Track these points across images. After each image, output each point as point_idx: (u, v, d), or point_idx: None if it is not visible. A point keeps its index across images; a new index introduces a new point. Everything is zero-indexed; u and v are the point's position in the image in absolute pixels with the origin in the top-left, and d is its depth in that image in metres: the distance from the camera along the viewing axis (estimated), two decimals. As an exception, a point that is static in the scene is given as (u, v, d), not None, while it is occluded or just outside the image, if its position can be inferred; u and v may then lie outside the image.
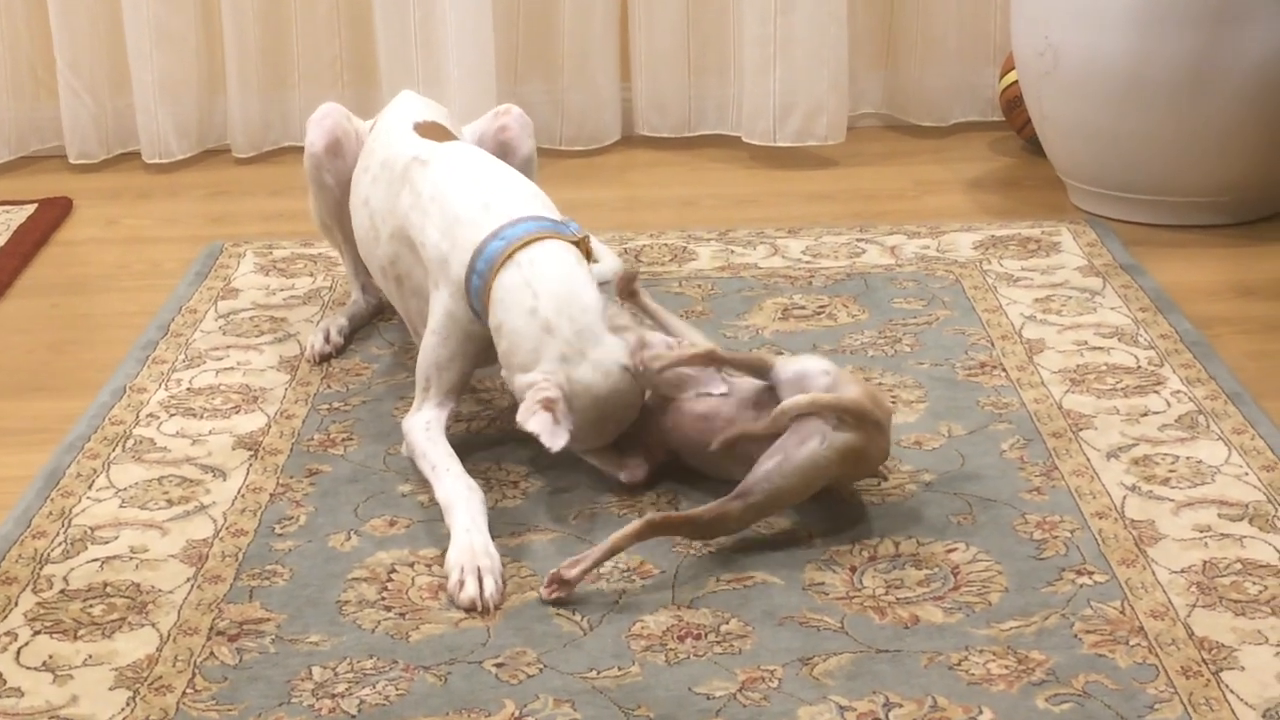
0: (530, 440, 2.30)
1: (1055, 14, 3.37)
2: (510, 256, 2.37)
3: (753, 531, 2.23)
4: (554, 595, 2.11)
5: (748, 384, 2.34)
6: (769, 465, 2.18)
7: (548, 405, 2.26)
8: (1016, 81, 3.70)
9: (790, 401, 2.20)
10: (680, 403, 2.35)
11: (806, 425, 2.19)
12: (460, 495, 2.26)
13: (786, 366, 2.30)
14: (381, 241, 2.62)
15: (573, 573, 2.12)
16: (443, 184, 2.52)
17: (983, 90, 4.15)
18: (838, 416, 2.19)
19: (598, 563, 2.13)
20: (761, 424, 2.22)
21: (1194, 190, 3.37)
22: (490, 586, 2.11)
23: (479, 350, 2.48)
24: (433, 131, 2.70)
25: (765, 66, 3.95)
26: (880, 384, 2.69)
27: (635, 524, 2.15)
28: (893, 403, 2.61)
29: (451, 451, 2.37)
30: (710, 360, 2.33)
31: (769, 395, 2.29)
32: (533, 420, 2.25)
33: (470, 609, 2.09)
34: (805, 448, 2.18)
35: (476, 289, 2.39)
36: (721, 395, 2.32)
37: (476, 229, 2.42)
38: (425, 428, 2.42)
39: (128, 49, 3.99)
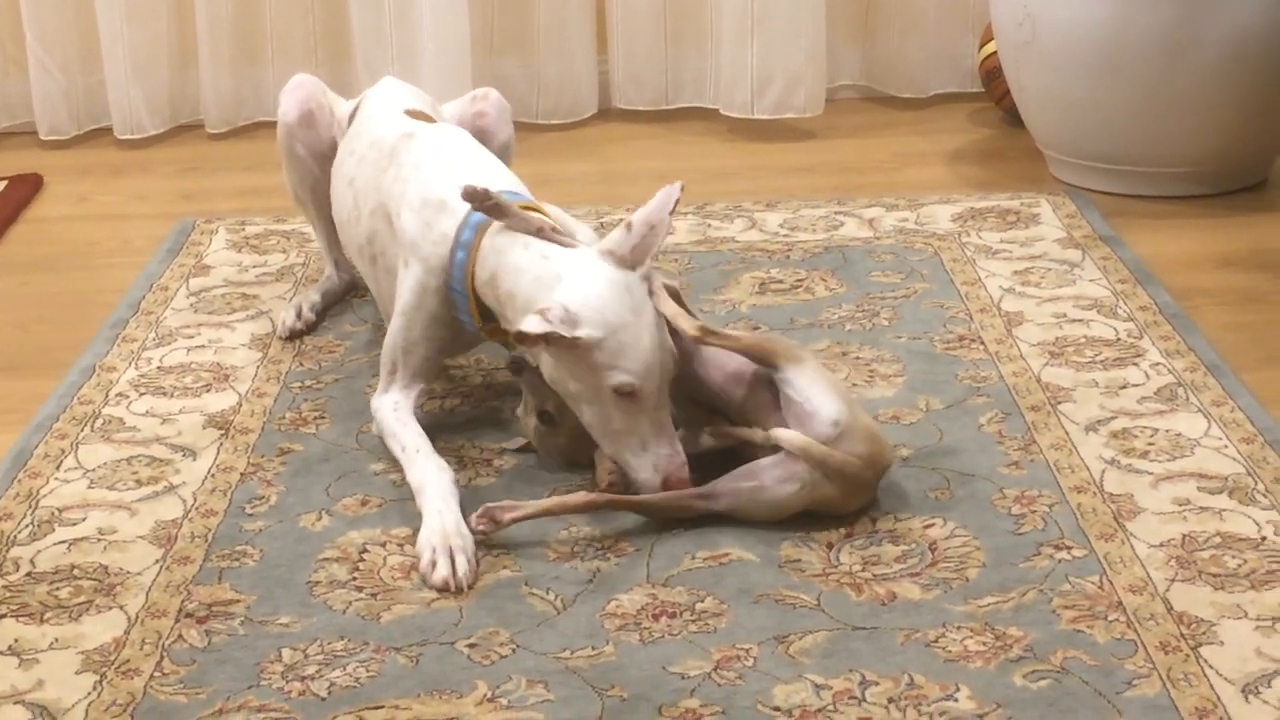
0: (504, 420, 2.28)
1: (1034, -17, 3.35)
2: (485, 230, 2.34)
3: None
4: (479, 528, 2.12)
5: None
6: (743, 485, 2.16)
7: (545, 317, 2.15)
8: (995, 52, 3.68)
9: (786, 438, 2.14)
10: (703, 357, 2.26)
11: (796, 464, 2.14)
12: (431, 476, 2.23)
13: (799, 386, 2.17)
14: (362, 219, 2.58)
15: (505, 516, 2.13)
16: (425, 159, 2.50)
17: (962, 61, 4.13)
18: (824, 473, 2.14)
19: (531, 516, 2.15)
20: (761, 436, 2.17)
21: (1173, 161, 3.34)
22: (463, 566, 2.08)
23: (445, 336, 2.44)
24: (420, 119, 2.68)
25: (743, 39, 3.92)
26: (858, 358, 2.67)
27: (582, 495, 2.16)
28: (869, 378, 2.60)
29: (421, 432, 2.34)
30: (701, 339, 2.22)
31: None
32: (528, 320, 2.13)
33: (443, 589, 2.07)
34: (783, 488, 2.14)
35: (460, 262, 2.36)
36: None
37: (454, 213, 2.38)
38: (394, 408, 2.39)
39: (98, 24, 3.95)
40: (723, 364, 2.26)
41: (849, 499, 2.17)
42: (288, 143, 2.87)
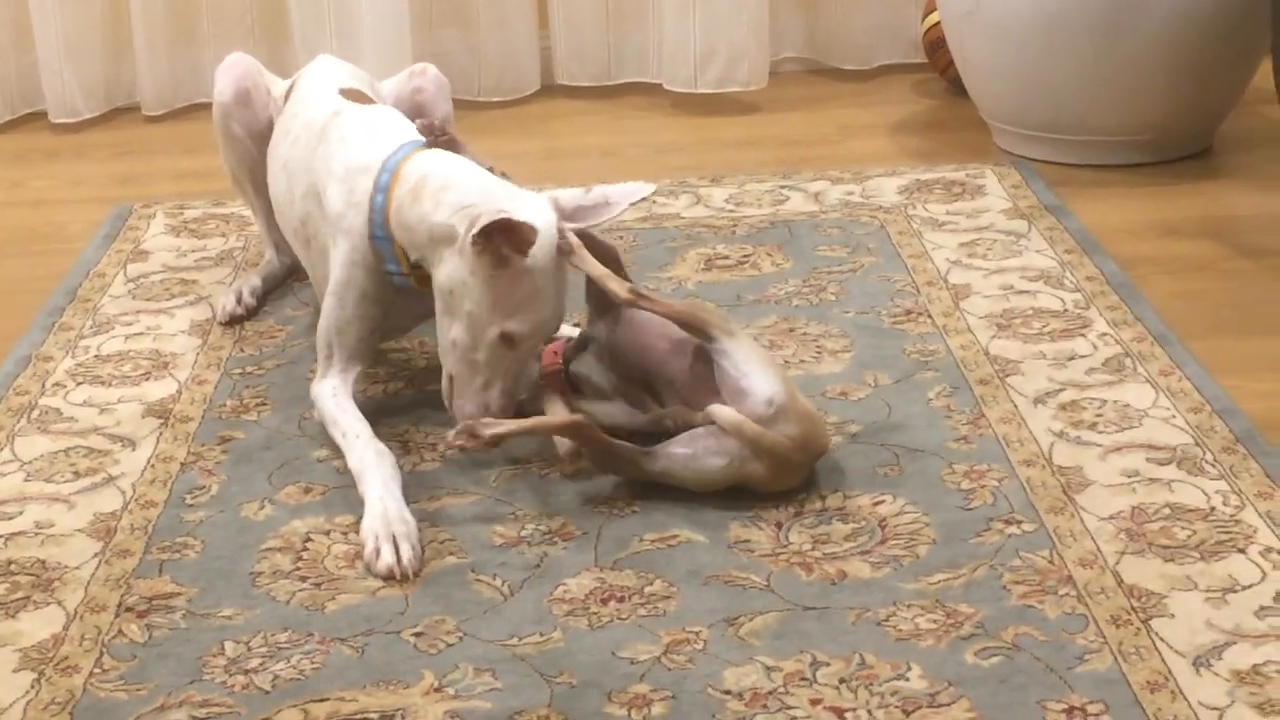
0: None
1: (976, -47, 3.33)
2: (407, 159, 2.35)
3: (675, 490, 2.18)
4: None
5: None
6: (678, 450, 2.15)
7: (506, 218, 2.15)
8: (939, 23, 3.66)
9: (720, 414, 2.12)
10: (646, 324, 2.25)
11: (728, 439, 2.12)
12: (371, 462, 2.20)
13: (735, 360, 2.15)
14: (295, 202, 2.55)
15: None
16: (351, 133, 2.47)
17: (905, 32, 4.11)
18: (754, 451, 2.13)
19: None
20: (699, 416, 2.16)
21: (1116, 129, 3.34)
22: (407, 553, 2.05)
23: (378, 314, 2.41)
24: (356, 98, 2.64)
25: (685, 12, 3.89)
26: (805, 334, 2.65)
27: (566, 417, 2.16)
28: (817, 353, 2.58)
29: (360, 417, 2.31)
30: (632, 302, 2.22)
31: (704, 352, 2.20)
32: (490, 211, 2.15)
33: (388, 577, 2.04)
34: (712, 460, 2.13)
35: (380, 205, 2.33)
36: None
37: (372, 172, 2.37)
38: (332, 394, 2.36)
39: (30, 5, 3.87)
40: (669, 334, 2.23)
41: (777, 479, 2.15)
42: (224, 123, 2.83)
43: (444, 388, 2.29)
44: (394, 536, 2.07)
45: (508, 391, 2.25)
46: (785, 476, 2.15)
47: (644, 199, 2.35)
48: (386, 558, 2.05)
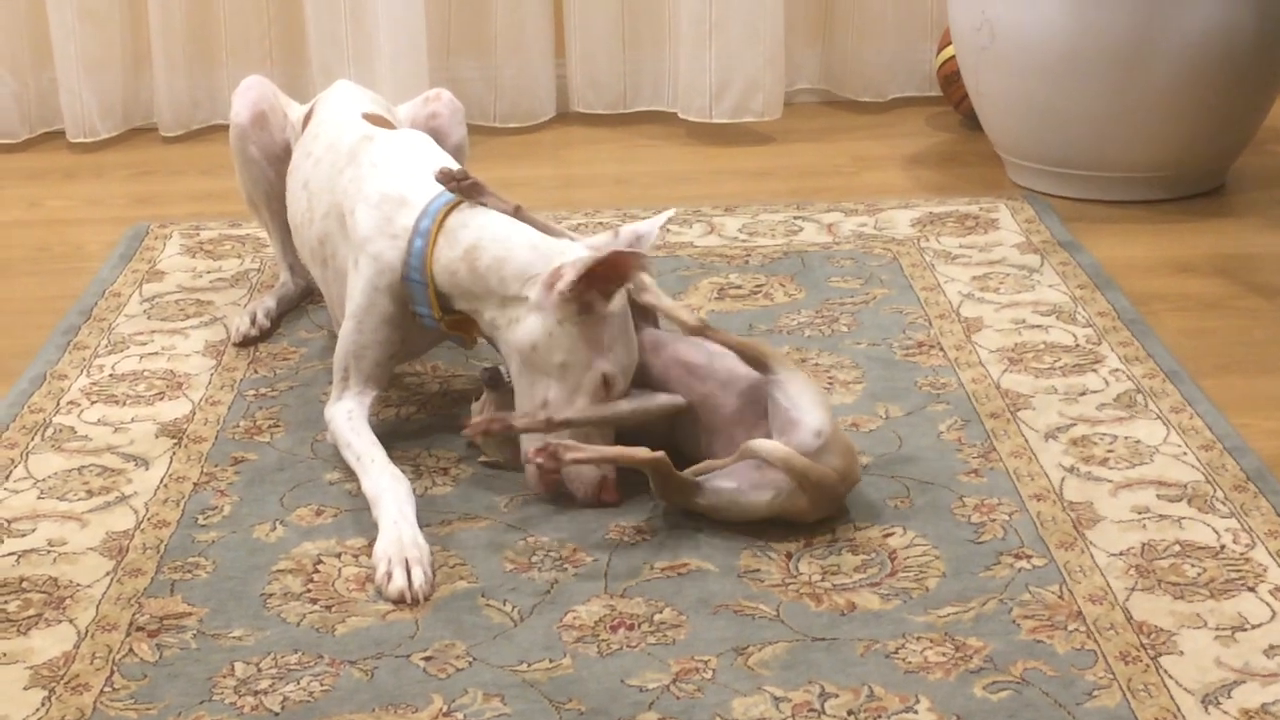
0: (460, 427, 2.26)
1: (992, -12, 3.34)
2: (450, 211, 2.34)
3: (687, 517, 2.19)
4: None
5: (741, 370, 2.26)
6: (723, 485, 2.15)
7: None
8: (954, 56, 3.67)
9: (764, 448, 2.13)
10: (670, 346, 2.29)
11: (772, 473, 2.13)
12: (386, 486, 2.21)
13: (790, 393, 2.17)
14: (315, 221, 2.56)
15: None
16: (385, 159, 2.48)
17: (920, 65, 4.12)
18: (800, 484, 2.13)
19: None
20: (728, 460, 2.17)
21: (1131, 166, 3.35)
22: (419, 578, 2.06)
23: (397, 339, 2.42)
24: (378, 122, 2.66)
25: (701, 42, 3.90)
26: (817, 365, 2.66)
27: (645, 452, 2.14)
28: (828, 384, 2.58)
29: (375, 441, 2.31)
30: (699, 332, 2.26)
31: (758, 391, 2.22)
32: (578, 261, 2.18)
33: (399, 601, 2.04)
34: (758, 494, 2.13)
35: (419, 250, 2.33)
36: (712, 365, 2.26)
37: (410, 207, 2.37)
38: (348, 417, 2.36)
39: (50, 25, 3.90)
40: (682, 354, 2.28)
41: (818, 509, 2.16)
42: (240, 144, 2.85)
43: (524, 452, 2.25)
44: (406, 561, 2.07)
45: (607, 436, 2.25)
46: (825, 507, 2.17)
47: (669, 220, 2.39)
48: (398, 581, 2.05)
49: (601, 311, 2.21)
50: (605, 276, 2.19)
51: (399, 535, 2.11)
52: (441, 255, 2.31)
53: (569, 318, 2.21)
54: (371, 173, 2.45)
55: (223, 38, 4.02)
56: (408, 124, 2.81)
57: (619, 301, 2.23)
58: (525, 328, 2.24)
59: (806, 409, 2.16)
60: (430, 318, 2.37)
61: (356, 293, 2.40)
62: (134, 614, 2.03)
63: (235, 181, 2.94)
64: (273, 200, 2.86)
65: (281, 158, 2.82)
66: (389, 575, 2.06)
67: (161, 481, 2.35)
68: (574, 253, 2.25)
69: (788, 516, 2.15)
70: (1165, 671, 1.86)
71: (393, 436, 2.41)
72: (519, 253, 2.27)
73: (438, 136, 2.77)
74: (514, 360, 2.26)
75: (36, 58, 3.98)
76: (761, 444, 2.14)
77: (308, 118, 2.80)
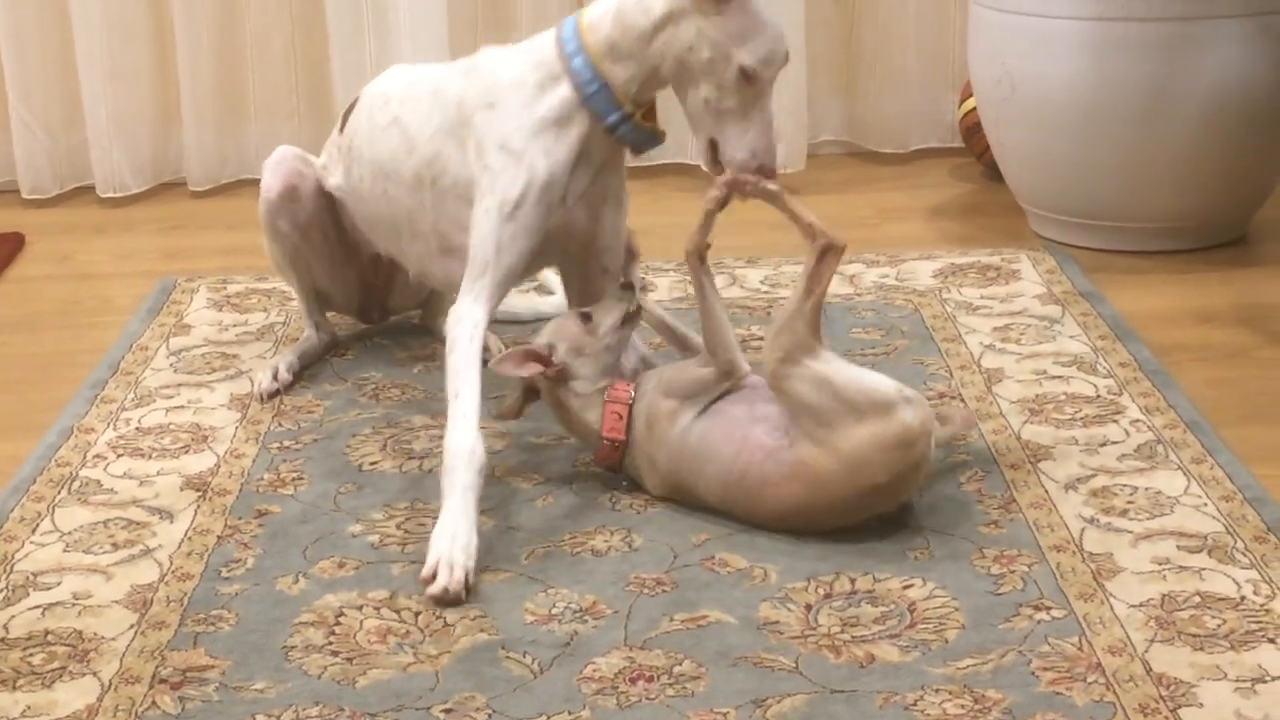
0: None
1: (1012, 42, 3.36)
2: (582, 16, 2.44)
3: (706, 569, 2.20)
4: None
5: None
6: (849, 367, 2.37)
7: None
8: (976, 108, 3.69)
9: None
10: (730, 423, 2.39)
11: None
12: (463, 457, 2.25)
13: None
14: (417, 148, 2.58)
15: (767, 185, 2.38)
16: (502, 54, 2.54)
17: (943, 116, 4.14)
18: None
19: (782, 202, 2.39)
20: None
21: (1152, 217, 3.36)
22: (459, 580, 2.15)
23: (541, 228, 2.45)
24: None
25: (724, 95, 3.92)
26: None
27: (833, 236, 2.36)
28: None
29: (478, 385, 2.33)
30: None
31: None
32: None
33: (438, 600, 2.13)
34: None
35: (584, 64, 2.41)
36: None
37: (545, 50, 2.47)
38: (473, 328, 2.38)
39: (81, 82, 3.96)
40: (750, 438, 2.37)
41: (818, 495, 2.27)
42: (270, 219, 2.87)
43: (703, 155, 2.45)
44: (452, 565, 2.15)
45: (765, 131, 2.37)
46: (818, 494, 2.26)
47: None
48: (442, 581, 2.14)
49: (732, 3, 2.30)
50: None
51: (455, 531, 2.20)
52: (598, 44, 2.40)
53: (706, 10, 2.31)
54: (501, 65, 2.51)
55: (251, 94, 4.07)
56: None
57: None
58: (677, 41, 2.35)
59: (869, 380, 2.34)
60: (624, 118, 2.42)
61: (509, 183, 2.42)
62: (157, 666, 2.05)
63: (262, 237, 2.97)
64: (300, 265, 2.90)
65: (312, 224, 2.86)
66: (434, 574, 2.15)
67: (186, 534, 2.37)
68: None
69: (878, 451, 2.23)
70: (1184, 724, 1.86)
71: (413, 489, 2.42)
72: None
73: None
74: (680, 83, 2.38)
75: (68, 115, 4.03)
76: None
77: (348, 114, 2.81)
